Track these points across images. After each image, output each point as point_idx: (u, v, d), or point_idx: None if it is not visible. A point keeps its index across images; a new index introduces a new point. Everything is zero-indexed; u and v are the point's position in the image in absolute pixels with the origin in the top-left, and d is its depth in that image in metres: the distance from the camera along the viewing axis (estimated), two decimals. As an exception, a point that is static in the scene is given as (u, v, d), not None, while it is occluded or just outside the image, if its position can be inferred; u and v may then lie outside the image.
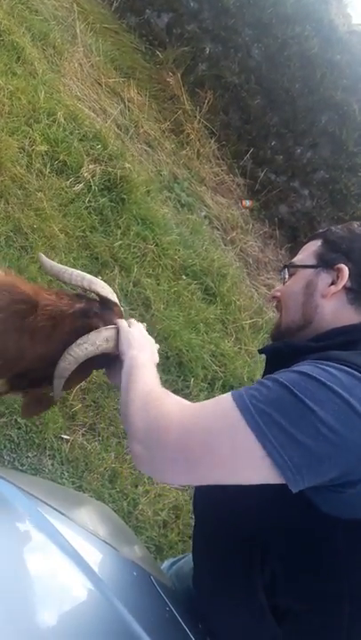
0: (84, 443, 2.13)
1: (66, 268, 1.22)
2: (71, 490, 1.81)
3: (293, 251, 4.61)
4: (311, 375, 0.77)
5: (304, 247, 1.06)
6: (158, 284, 3.05)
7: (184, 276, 3.31)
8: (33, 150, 2.86)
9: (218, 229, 4.18)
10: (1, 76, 2.94)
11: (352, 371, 0.77)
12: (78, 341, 1.12)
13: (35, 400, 1.24)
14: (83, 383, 2.23)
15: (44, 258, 1.26)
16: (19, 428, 1.97)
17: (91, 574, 0.82)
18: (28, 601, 0.70)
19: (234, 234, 4.22)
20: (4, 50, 3.17)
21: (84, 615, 0.75)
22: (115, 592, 0.82)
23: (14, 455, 1.92)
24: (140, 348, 1.06)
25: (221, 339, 3.18)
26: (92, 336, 1.12)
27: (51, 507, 0.94)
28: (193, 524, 1.10)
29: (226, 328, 3.35)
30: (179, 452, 0.79)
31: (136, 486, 2.17)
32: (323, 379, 0.76)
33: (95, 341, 1.12)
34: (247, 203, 4.62)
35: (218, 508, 0.97)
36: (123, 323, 1.15)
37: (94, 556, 0.92)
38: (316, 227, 4.58)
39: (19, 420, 1.98)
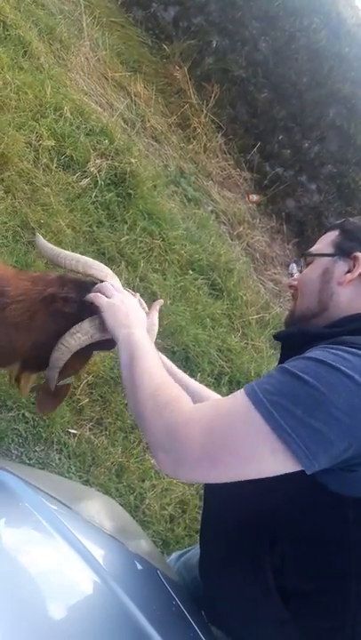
0: (92, 437, 2.14)
1: (60, 250, 1.17)
2: (78, 484, 1.82)
3: (301, 245, 4.60)
4: (323, 360, 0.78)
5: (321, 237, 1.08)
6: (165, 279, 3.05)
7: (191, 271, 3.30)
8: (40, 145, 2.86)
9: (225, 224, 4.17)
10: (8, 71, 2.94)
11: None
12: (71, 330, 1.08)
13: (48, 394, 1.21)
14: (90, 378, 2.24)
15: (40, 240, 1.21)
16: (26, 423, 1.98)
17: (97, 568, 0.82)
18: (35, 594, 0.70)
19: (241, 228, 4.20)
20: (10, 44, 3.16)
21: (91, 608, 0.76)
22: (121, 586, 0.82)
23: (22, 449, 1.93)
24: (128, 322, 1.02)
25: (228, 334, 3.18)
26: (86, 324, 1.08)
27: (58, 500, 0.95)
28: (202, 506, 1.10)
29: (232, 323, 3.35)
30: (200, 454, 0.80)
31: (143, 480, 2.18)
32: (334, 362, 0.77)
33: (88, 330, 1.07)
34: (254, 197, 4.60)
35: (229, 488, 0.98)
36: (100, 299, 1.07)
37: (101, 549, 0.92)
38: (323, 221, 4.55)
39: (26, 414, 1.99)
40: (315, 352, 0.82)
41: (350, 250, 0.98)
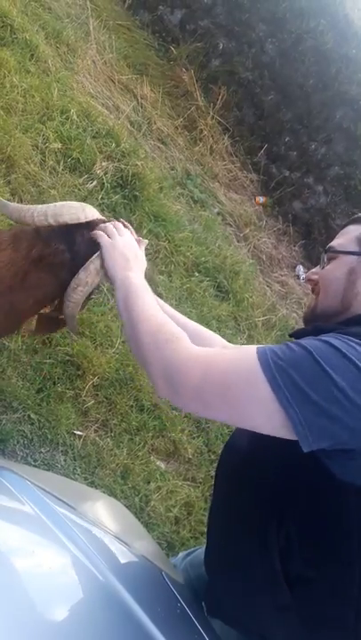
0: (97, 439, 2.14)
1: (27, 207, 1.13)
2: (83, 485, 1.82)
3: (307, 247, 4.59)
4: (333, 344, 0.80)
5: (343, 231, 1.05)
6: (171, 281, 3.05)
7: (197, 273, 3.30)
8: (46, 148, 2.87)
9: (231, 226, 4.16)
10: (15, 74, 2.96)
11: None
12: (72, 285, 1.09)
13: (48, 320, 1.22)
14: (95, 380, 2.24)
15: (2, 202, 1.18)
16: (32, 424, 1.99)
17: (101, 569, 0.82)
18: (39, 594, 0.70)
19: (247, 230, 4.20)
20: (17, 48, 3.18)
21: (95, 609, 0.76)
22: (125, 587, 0.82)
23: (27, 451, 1.93)
24: (127, 264, 1.05)
25: (234, 336, 3.17)
26: (82, 275, 1.09)
27: (62, 501, 0.95)
28: (212, 492, 1.12)
29: (238, 325, 3.34)
30: (195, 394, 0.84)
31: (148, 482, 2.18)
32: (343, 349, 0.79)
33: (86, 280, 1.08)
34: (261, 199, 4.59)
35: (242, 469, 1.00)
36: (103, 238, 1.09)
37: (105, 551, 0.92)
38: (330, 223, 4.54)
39: (32, 415, 1.99)
40: (327, 337, 0.84)
41: None
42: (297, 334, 1.02)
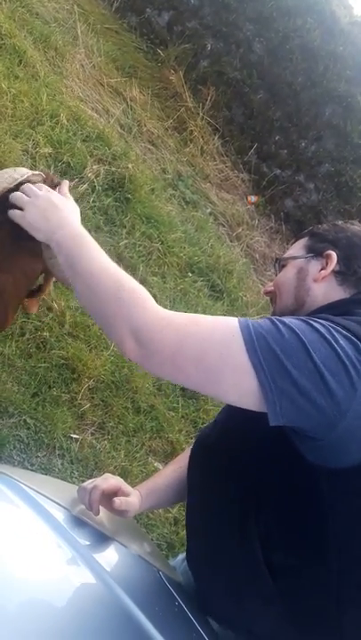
0: (94, 442, 2.14)
1: None
2: (81, 488, 1.82)
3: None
4: (308, 321, 0.83)
5: (292, 245, 1.13)
6: (164, 282, 3.06)
7: (190, 274, 3.31)
8: (37, 152, 2.87)
9: (223, 226, 4.17)
10: (3, 80, 2.96)
11: (339, 328, 0.84)
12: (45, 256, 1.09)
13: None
14: (91, 382, 2.24)
15: None
16: (28, 429, 1.99)
17: (99, 570, 0.83)
18: (35, 595, 0.71)
19: (240, 230, 4.21)
20: (5, 53, 3.18)
21: (92, 610, 0.76)
22: (123, 587, 0.82)
23: (24, 455, 1.93)
24: (61, 220, 1.00)
25: (229, 335, 3.18)
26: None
27: (59, 504, 0.95)
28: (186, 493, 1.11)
29: (233, 324, 3.35)
30: (169, 358, 0.83)
31: (147, 484, 2.18)
32: (319, 327, 0.82)
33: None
34: (252, 198, 4.60)
35: (214, 460, 1.01)
36: (22, 199, 1.03)
37: (102, 551, 0.92)
38: (322, 220, 4.55)
39: (28, 420, 2.00)
40: (303, 317, 0.87)
41: (322, 249, 1.04)
42: None
